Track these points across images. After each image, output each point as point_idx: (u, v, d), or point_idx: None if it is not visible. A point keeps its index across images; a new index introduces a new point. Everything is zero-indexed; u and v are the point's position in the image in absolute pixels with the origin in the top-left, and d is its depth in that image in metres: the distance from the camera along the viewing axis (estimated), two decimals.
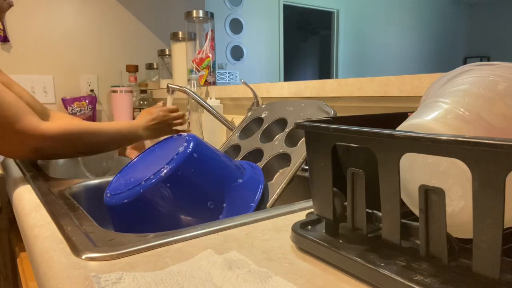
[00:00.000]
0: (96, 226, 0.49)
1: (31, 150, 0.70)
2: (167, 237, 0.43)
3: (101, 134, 0.78)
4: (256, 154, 0.73)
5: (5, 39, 1.63)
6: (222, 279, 0.33)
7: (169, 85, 0.95)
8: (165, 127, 0.90)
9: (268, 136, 0.76)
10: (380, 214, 0.35)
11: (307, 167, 0.42)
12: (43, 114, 0.91)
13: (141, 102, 1.80)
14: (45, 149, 0.71)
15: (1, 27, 1.61)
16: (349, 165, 0.37)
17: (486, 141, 0.25)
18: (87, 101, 1.77)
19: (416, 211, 0.34)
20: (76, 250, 0.40)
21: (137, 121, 0.87)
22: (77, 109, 1.75)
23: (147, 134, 0.87)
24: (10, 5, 0.83)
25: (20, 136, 0.67)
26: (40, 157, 0.74)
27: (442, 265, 0.31)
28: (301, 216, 0.46)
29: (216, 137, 1.07)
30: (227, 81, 1.92)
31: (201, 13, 1.45)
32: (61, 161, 1.11)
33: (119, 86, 1.78)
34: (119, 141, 0.82)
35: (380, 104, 0.79)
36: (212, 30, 1.43)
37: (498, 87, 0.33)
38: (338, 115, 0.71)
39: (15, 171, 0.86)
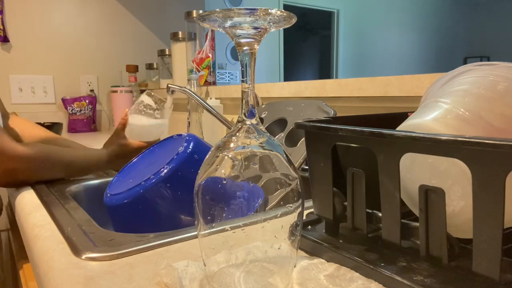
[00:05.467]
0: (96, 226, 0.49)
1: (4, 171, 0.68)
2: (167, 237, 0.43)
3: (74, 161, 0.78)
4: None
5: (5, 39, 1.63)
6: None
7: (169, 85, 0.95)
8: (125, 156, 0.86)
9: None
10: (380, 214, 0.35)
11: (307, 167, 0.42)
12: (5, 117, 0.90)
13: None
14: (17, 171, 0.69)
15: (1, 27, 1.61)
16: (349, 165, 0.37)
17: (486, 141, 0.25)
18: (87, 101, 1.77)
19: (416, 211, 0.34)
20: (76, 250, 0.40)
21: (108, 149, 0.85)
22: (77, 109, 1.75)
23: (111, 167, 0.86)
24: None
25: None
26: (11, 181, 0.71)
27: (442, 265, 0.31)
28: None
29: (216, 137, 1.07)
30: (227, 81, 1.92)
31: (201, 13, 1.45)
32: None
33: (119, 86, 1.78)
34: (87, 170, 0.82)
35: (380, 104, 0.79)
36: (212, 30, 1.43)
37: (498, 87, 0.33)
38: (338, 115, 0.70)
39: None
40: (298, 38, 5.73)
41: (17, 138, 0.88)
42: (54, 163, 0.74)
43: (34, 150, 0.70)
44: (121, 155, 0.85)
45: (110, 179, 0.65)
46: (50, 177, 0.75)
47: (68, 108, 1.74)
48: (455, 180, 0.31)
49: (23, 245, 0.56)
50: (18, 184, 0.73)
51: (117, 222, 0.57)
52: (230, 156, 0.31)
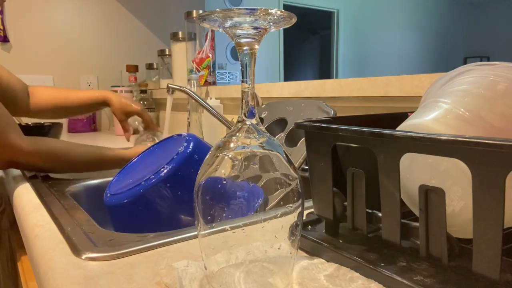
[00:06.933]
0: (96, 226, 0.49)
1: (7, 161, 0.71)
2: (167, 237, 0.43)
3: (80, 159, 0.78)
4: None
5: (5, 39, 1.63)
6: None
7: (169, 85, 0.95)
8: None
9: None
10: (380, 214, 0.35)
11: (307, 167, 0.42)
12: (23, 92, 0.94)
13: (141, 102, 1.80)
14: (20, 163, 0.73)
15: (1, 27, 1.61)
16: (349, 165, 0.37)
17: (486, 141, 0.25)
18: None
19: (416, 211, 0.34)
20: (76, 250, 0.40)
21: (119, 150, 0.85)
22: None
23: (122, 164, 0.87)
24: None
25: (4, 149, 0.69)
26: (13, 167, 0.76)
27: (442, 265, 0.31)
28: None
29: (216, 137, 1.07)
30: (227, 81, 1.92)
31: (201, 13, 1.45)
32: None
33: (119, 86, 1.78)
34: (95, 166, 0.81)
35: (380, 104, 0.79)
36: (212, 30, 1.43)
37: (498, 87, 0.33)
38: (338, 115, 0.70)
39: (15, 171, 0.86)
40: (298, 38, 5.73)
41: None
42: (60, 158, 0.75)
43: (39, 145, 0.72)
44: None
45: (110, 179, 0.65)
46: (53, 169, 0.77)
47: None
48: (455, 180, 0.31)
49: (23, 245, 0.56)
50: (20, 169, 0.78)
51: (117, 222, 0.57)
52: (230, 156, 0.31)
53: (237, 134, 0.32)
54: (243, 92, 0.32)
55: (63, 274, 0.36)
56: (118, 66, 1.90)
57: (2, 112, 0.69)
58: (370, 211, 0.36)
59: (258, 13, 0.28)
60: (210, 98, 1.23)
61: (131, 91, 1.77)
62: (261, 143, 0.31)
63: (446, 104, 0.34)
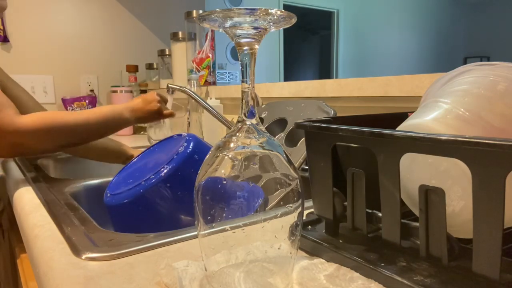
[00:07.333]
0: (96, 226, 0.49)
1: (9, 145, 0.66)
2: (167, 237, 0.43)
3: (82, 123, 0.71)
4: None
5: (5, 39, 1.63)
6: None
7: (169, 85, 0.95)
8: (154, 113, 0.82)
9: None
10: (380, 214, 0.35)
11: (307, 167, 0.42)
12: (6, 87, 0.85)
13: None
14: (23, 145, 0.67)
15: (1, 27, 1.61)
16: (349, 165, 0.37)
17: (486, 141, 0.25)
18: (87, 101, 1.77)
19: (416, 211, 0.34)
20: (76, 250, 0.40)
21: (123, 104, 0.80)
22: (77, 109, 1.75)
23: (135, 117, 0.80)
24: (4, 8, 0.82)
25: None
26: (20, 154, 0.70)
27: (442, 265, 0.31)
28: None
29: (216, 137, 1.07)
30: (227, 81, 1.92)
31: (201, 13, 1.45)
32: (61, 160, 1.11)
33: (119, 86, 1.78)
34: (103, 128, 0.75)
35: (380, 104, 0.79)
36: (212, 30, 1.43)
37: (498, 87, 0.33)
38: (338, 115, 0.70)
39: (15, 171, 0.86)
40: (298, 38, 5.73)
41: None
42: (60, 129, 0.69)
43: (34, 120, 0.66)
44: (144, 111, 0.80)
45: (110, 179, 0.65)
46: (59, 144, 0.71)
47: (68, 108, 1.74)
48: (455, 180, 0.31)
49: (23, 245, 0.56)
50: (28, 155, 0.71)
51: (117, 222, 0.57)
52: (230, 156, 0.31)
53: (237, 134, 0.32)
54: (243, 92, 0.32)
55: (63, 274, 0.36)
56: (118, 66, 1.90)
57: None
58: (370, 211, 0.36)
59: (258, 13, 0.28)
60: (210, 98, 1.24)
61: (131, 91, 1.77)
62: (261, 143, 0.31)
63: (446, 104, 0.34)
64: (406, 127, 0.36)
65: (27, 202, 0.62)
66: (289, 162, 0.31)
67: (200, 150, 0.59)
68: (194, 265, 0.34)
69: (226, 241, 0.31)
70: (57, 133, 0.69)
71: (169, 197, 0.55)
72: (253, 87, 0.32)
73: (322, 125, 0.38)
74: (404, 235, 0.33)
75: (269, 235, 0.31)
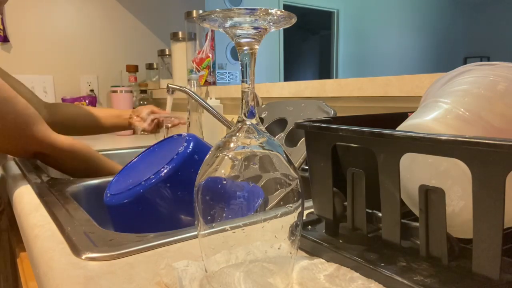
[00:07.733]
0: (96, 226, 0.49)
1: (33, 154, 0.72)
2: (167, 237, 0.43)
3: (103, 166, 0.80)
4: None
5: (5, 39, 1.63)
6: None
7: (169, 85, 0.95)
8: None
9: None
10: (380, 214, 0.35)
11: (307, 167, 0.42)
12: (40, 108, 0.96)
13: (141, 102, 1.80)
14: (49, 156, 0.73)
15: (1, 27, 1.61)
16: (349, 165, 0.37)
17: (486, 141, 0.25)
18: (87, 101, 1.77)
19: (416, 211, 0.34)
20: (76, 250, 0.40)
21: None
22: None
23: None
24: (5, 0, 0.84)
25: (29, 140, 0.69)
26: (39, 160, 0.77)
27: (442, 265, 0.31)
28: None
29: (216, 137, 1.07)
30: (227, 81, 1.92)
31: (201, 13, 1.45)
32: None
33: (119, 86, 1.78)
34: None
35: (380, 104, 0.79)
36: (212, 30, 1.43)
37: (498, 87, 0.33)
38: (338, 115, 0.71)
39: (15, 171, 0.86)
40: (298, 38, 5.73)
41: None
42: (85, 161, 0.77)
43: (70, 143, 0.74)
44: None
45: (110, 179, 0.65)
46: (79, 170, 0.78)
47: None
48: (455, 180, 0.31)
49: (23, 245, 0.56)
50: (45, 163, 0.79)
51: (117, 222, 0.57)
52: (230, 156, 0.31)
53: (237, 134, 0.32)
54: (243, 92, 0.32)
55: (63, 274, 0.36)
56: (118, 66, 1.90)
57: (26, 105, 0.69)
58: (370, 211, 0.36)
59: (258, 13, 0.28)
60: (210, 98, 1.24)
61: (131, 91, 1.77)
62: (261, 143, 0.31)
63: (446, 104, 0.34)
64: (406, 127, 0.36)
65: (27, 202, 0.62)
66: (289, 162, 0.31)
67: (200, 150, 0.59)
68: (194, 265, 0.34)
69: (226, 241, 0.31)
70: (81, 162, 0.77)
71: (169, 197, 0.55)
72: (253, 87, 0.32)
73: (322, 125, 0.38)
74: (404, 235, 0.33)
75: (269, 235, 0.31)
